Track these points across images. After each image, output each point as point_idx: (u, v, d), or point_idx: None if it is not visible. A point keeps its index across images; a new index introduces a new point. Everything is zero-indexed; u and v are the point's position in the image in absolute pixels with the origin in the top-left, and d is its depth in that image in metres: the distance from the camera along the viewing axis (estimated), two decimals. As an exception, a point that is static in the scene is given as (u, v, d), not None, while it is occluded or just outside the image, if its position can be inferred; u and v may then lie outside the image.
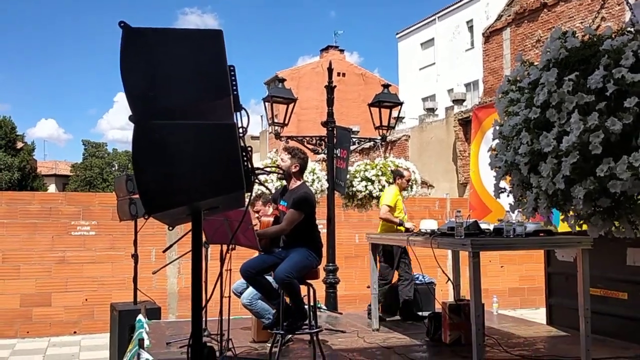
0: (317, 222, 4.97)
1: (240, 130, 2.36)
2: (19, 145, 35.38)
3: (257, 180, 2.39)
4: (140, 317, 5.98)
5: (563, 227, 3.97)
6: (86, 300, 8.94)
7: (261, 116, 36.67)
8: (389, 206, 6.51)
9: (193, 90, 2.06)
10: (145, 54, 2.00)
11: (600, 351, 4.60)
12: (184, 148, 2.00)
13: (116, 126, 74.40)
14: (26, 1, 77.05)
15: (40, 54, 79.79)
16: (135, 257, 7.20)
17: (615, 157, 2.36)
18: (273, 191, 5.97)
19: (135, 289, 7.13)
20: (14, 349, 7.99)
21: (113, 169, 44.51)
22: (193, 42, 2.08)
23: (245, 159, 2.26)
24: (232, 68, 2.29)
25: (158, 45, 2.02)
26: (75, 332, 8.82)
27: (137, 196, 6.83)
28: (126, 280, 7.95)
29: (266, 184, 6.64)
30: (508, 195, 3.16)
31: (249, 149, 2.36)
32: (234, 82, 2.31)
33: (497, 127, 3.01)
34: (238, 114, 2.39)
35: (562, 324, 5.88)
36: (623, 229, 2.68)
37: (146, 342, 5.03)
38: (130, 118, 2.00)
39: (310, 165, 7.56)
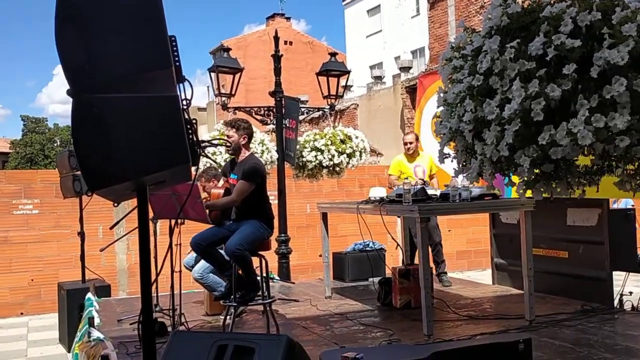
0: (268, 193, 4.96)
1: (184, 102, 2.31)
2: (-47, 122, 33.74)
3: (203, 153, 2.35)
4: (89, 295, 5.88)
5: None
6: (32, 280, 8.71)
7: (207, 87, 36.08)
8: (389, 175, 6.84)
9: (132, 62, 1.99)
10: (80, 24, 1.91)
11: (543, 308, 4.81)
12: (125, 122, 1.94)
13: (57, 100, 71.84)
14: (-48, -31, 72.71)
15: (-30, 25, 75.79)
16: (81, 234, 7.04)
17: (556, 124, 2.42)
18: (222, 164, 5.90)
19: (83, 267, 6.99)
20: (-43, 334, 7.76)
21: (55, 144, 43.10)
22: (130, 10, 1.99)
23: (190, 131, 2.22)
24: (173, 38, 2.22)
25: (94, 15, 1.94)
26: (22, 314, 8.60)
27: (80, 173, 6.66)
28: (73, 258, 7.76)
29: (214, 158, 6.55)
30: (452, 161, 3.21)
31: (194, 121, 2.32)
32: (175, 53, 2.24)
33: (442, 95, 3.04)
34: (181, 85, 2.34)
35: (507, 284, 6.11)
36: (559, 190, 2.77)
37: (96, 320, 4.96)
38: (68, 92, 1.92)
39: (259, 136, 7.49)
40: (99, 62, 1.93)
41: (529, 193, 2.95)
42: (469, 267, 11.15)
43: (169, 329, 4.62)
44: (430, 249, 6.18)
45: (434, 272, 6.08)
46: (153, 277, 2.52)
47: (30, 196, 8.84)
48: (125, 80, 1.96)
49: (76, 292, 6.38)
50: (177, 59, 2.26)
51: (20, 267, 8.67)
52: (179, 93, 2.28)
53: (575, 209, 5.25)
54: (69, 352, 6.18)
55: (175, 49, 2.24)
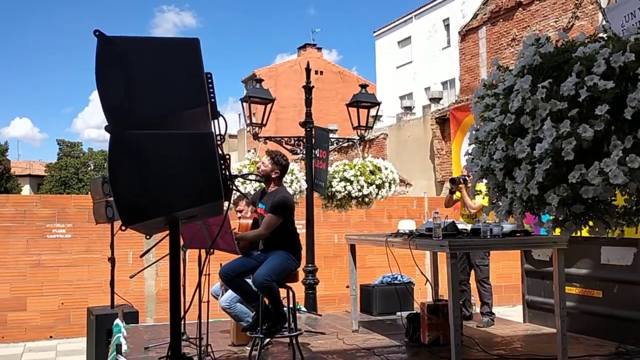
0: (296, 222, 4.97)
1: (218, 137, 2.36)
2: (-8, 145, 34.76)
3: (234, 188, 2.38)
4: (117, 321, 5.93)
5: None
6: (62, 304, 8.82)
7: (239, 114, 36.52)
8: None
9: (170, 100, 2.04)
10: (120, 64, 1.98)
11: (576, 349, 4.69)
12: (161, 158, 1.98)
13: (92, 125, 73.43)
14: (-2, -2, 75.66)
15: (14, 51, 78.44)
16: (112, 260, 7.12)
17: (587, 164, 2.39)
18: (251, 193, 5.96)
19: (112, 292, 7.06)
20: (-12, 355, 7.88)
21: (89, 168, 43.97)
22: (169, 51, 2.06)
23: (223, 166, 2.26)
24: (209, 75, 2.28)
25: (134, 55, 2.00)
26: (51, 337, 8.70)
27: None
28: (103, 283, 7.87)
29: (243, 190, 6.62)
30: (483, 198, 3.20)
31: (227, 156, 2.36)
32: (211, 90, 2.30)
33: (474, 132, 3.04)
34: (215, 121, 2.38)
35: (539, 323, 5.97)
36: (597, 229, 2.73)
37: (124, 347, 5.00)
38: (106, 128, 1.98)
39: (289, 166, 7.55)
40: (137, 100, 1.99)
41: (557, 231, 2.91)
42: (499, 302, 10.93)
43: (195, 358, 4.62)
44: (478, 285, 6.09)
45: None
46: (182, 310, 2.54)
47: (64, 220, 9.01)
48: (162, 117, 2.02)
49: (105, 318, 6.43)
50: (212, 95, 2.31)
51: (51, 290, 8.80)
52: (213, 129, 2.33)
53: (610, 247, 5.14)
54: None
55: (210, 85, 2.30)
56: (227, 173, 2.27)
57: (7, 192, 29.55)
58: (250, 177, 5.13)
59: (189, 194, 2.00)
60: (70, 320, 8.75)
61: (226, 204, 2.31)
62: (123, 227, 2.00)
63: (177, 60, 2.04)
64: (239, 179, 7.04)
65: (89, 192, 8.14)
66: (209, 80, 2.26)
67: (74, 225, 9.03)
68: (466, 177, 6.11)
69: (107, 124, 1.98)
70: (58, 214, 9.00)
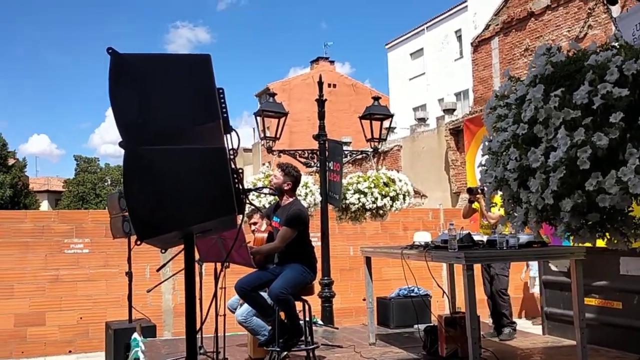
0: (311, 235, 4.98)
1: (231, 152, 2.38)
2: (10, 162, 35.22)
3: (247, 201, 2.39)
4: (135, 335, 5.96)
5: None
6: (81, 319, 8.87)
7: (253, 128, 36.73)
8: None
9: (182, 115, 2.07)
10: (133, 80, 2.01)
11: (596, 361, 4.62)
12: (174, 173, 2.00)
13: (108, 140, 74.18)
14: (14, 16, 77.05)
15: (32, 68, 79.72)
16: (129, 274, 7.17)
17: (603, 172, 2.38)
18: (266, 206, 5.98)
19: (130, 306, 7.10)
20: (8, 370, 7.94)
21: (106, 184, 44.38)
22: (182, 67, 2.09)
23: (236, 181, 2.27)
24: (221, 91, 2.30)
25: (146, 72, 2.03)
26: (70, 352, 8.74)
27: (129, 214, 6.82)
28: (121, 298, 7.90)
29: (253, 201, 6.65)
30: (499, 210, 3.19)
31: (240, 170, 2.37)
32: (223, 105, 2.32)
33: (487, 143, 3.03)
34: (228, 135, 2.40)
35: (558, 335, 5.90)
36: (615, 241, 2.70)
37: (141, 362, 5.02)
38: (121, 144, 2.01)
39: (303, 178, 7.57)
40: (151, 116, 2.02)
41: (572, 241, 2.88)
42: (518, 315, 10.82)
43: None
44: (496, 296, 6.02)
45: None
46: (198, 323, 2.55)
47: (82, 235, 9.09)
48: (175, 132, 2.04)
49: (123, 332, 6.46)
50: (224, 110, 2.33)
51: (69, 305, 8.86)
52: (226, 143, 2.35)
53: (629, 258, 5.07)
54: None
55: (222, 100, 2.32)
56: (240, 187, 2.29)
57: (26, 208, 29.90)
58: (263, 190, 5.15)
59: (202, 208, 2.02)
60: (89, 335, 8.79)
61: (240, 217, 2.33)
62: (138, 242, 2.02)
63: (189, 76, 2.07)
64: (254, 192, 7.08)
65: (106, 207, 8.21)
66: (221, 96, 2.29)
67: (92, 240, 9.10)
68: (483, 187, 6.07)
69: (121, 140, 2.01)
70: (76, 229, 9.08)
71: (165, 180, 2.00)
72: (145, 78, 2.04)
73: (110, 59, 2.05)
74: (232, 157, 2.34)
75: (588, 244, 2.82)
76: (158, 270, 5.34)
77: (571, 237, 2.80)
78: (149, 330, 6.63)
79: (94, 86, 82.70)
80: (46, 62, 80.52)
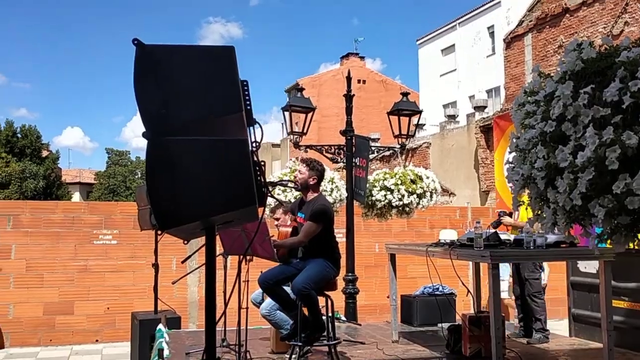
0: (335, 231, 4.97)
1: (254, 144, 2.38)
2: (44, 153, 35.97)
3: (270, 194, 2.39)
4: (160, 326, 6.02)
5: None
6: (108, 309, 9.02)
7: (282, 124, 36.83)
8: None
9: (205, 107, 2.07)
10: (157, 71, 2.02)
11: (624, 365, 4.52)
12: (196, 164, 2.01)
13: (140, 134, 74.88)
14: (51, 10, 78.55)
15: (67, 61, 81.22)
16: (155, 266, 7.25)
17: (632, 173, 2.31)
18: (291, 201, 5.99)
19: (156, 298, 7.18)
20: (37, 357, 8.10)
21: (136, 176, 45.01)
22: (205, 59, 2.09)
23: (258, 173, 2.28)
24: (245, 83, 2.30)
25: (171, 63, 2.04)
26: (97, 341, 8.90)
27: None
28: (147, 289, 8.00)
29: (278, 196, 6.65)
30: (526, 209, 3.13)
31: (262, 163, 2.37)
32: (247, 97, 2.32)
33: (514, 140, 2.98)
34: (251, 128, 2.41)
35: (585, 337, 5.79)
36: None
37: (166, 352, 5.07)
38: (144, 134, 2.02)
39: (329, 174, 7.56)
40: (174, 107, 2.03)
41: (608, 244, 2.81)
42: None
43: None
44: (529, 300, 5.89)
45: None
46: (218, 313, 2.57)
47: (110, 227, 9.23)
48: (198, 124, 2.05)
49: (148, 323, 6.53)
50: (248, 102, 2.33)
51: (97, 295, 9.02)
52: (249, 135, 2.35)
53: (660, 260, 4.95)
54: (138, 381, 6.33)
55: (246, 93, 2.32)
56: (262, 179, 2.29)
57: (58, 199, 30.51)
58: (289, 184, 5.13)
59: (223, 199, 2.03)
60: (115, 325, 8.94)
61: (261, 210, 2.33)
62: (160, 232, 2.04)
63: (213, 67, 2.07)
64: (279, 187, 7.09)
65: (135, 200, 8.32)
66: (245, 88, 2.29)
67: (120, 232, 9.24)
68: (505, 212, 6.09)
69: (144, 130, 2.02)
70: (105, 220, 9.23)
71: (187, 171, 2.01)
72: (169, 69, 2.05)
73: (136, 50, 2.06)
74: (254, 149, 2.34)
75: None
76: (183, 262, 5.39)
77: (607, 241, 2.74)
78: (174, 322, 6.70)
79: (127, 80, 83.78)
80: (80, 55, 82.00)
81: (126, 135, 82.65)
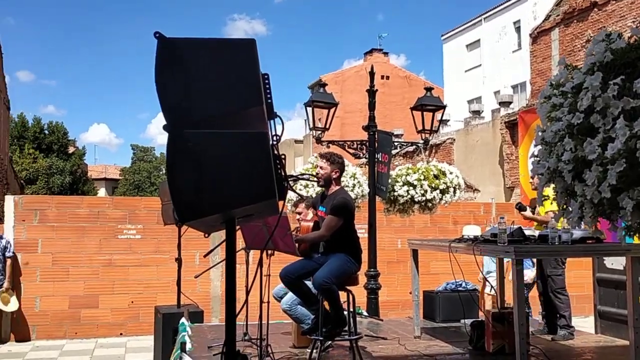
0: (357, 227, 4.94)
1: (274, 138, 2.37)
2: (71, 149, 36.52)
3: (290, 188, 2.38)
4: (183, 320, 6.06)
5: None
6: (132, 302, 9.13)
7: (305, 120, 36.85)
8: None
9: (226, 100, 2.07)
10: (179, 64, 2.02)
11: (652, 364, 4.42)
12: (217, 157, 2.01)
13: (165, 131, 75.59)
14: (76, 8, 79.60)
15: (94, 58, 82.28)
16: (179, 260, 7.30)
17: (664, 165, 2.25)
18: (313, 196, 5.97)
19: (179, 292, 7.23)
20: (62, 350, 8.23)
21: (160, 172, 45.45)
22: (226, 52, 2.09)
23: (278, 166, 2.26)
24: (266, 76, 2.29)
25: (191, 56, 2.04)
26: (121, 334, 9.01)
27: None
28: (171, 283, 8.06)
29: (300, 192, 6.64)
30: (552, 203, 3.07)
31: (283, 156, 2.36)
32: (268, 90, 2.31)
33: (540, 133, 2.92)
34: (272, 121, 2.39)
35: (611, 334, 5.68)
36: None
37: (188, 346, 5.09)
38: (165, 127, 2.02)
39: (351, 169, 7.53)
40: (195, 100, 2.02)
41: (636, 239, 2.74)
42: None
43: (256, 359, 4.66)
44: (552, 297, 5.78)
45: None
46: (238, 307, 2.56)
47: (134, 222, 9.33)
48: (219, 117, 2.04)
49: (171, 316, 6.58)
50: (269, 96, 2.32)
51: (121, 289, 9.13)
52: (269, 129, 2.34)
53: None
54: (162, 374, 6.38)
55: (267, 86, 2.31)
56: (283, 173, 2.28)
57: (84, 195, 30.95)
58: (310, 178, 5.10)
59: (243, 192, 2.02)
60: (139, 318, 9.04)
61: (282, 203, 2.32)
62: (179, 224, 2.04)
63: (233, 60, 2.07)
64: (302, 182, 7.09)
65: (158, 195, 8.38)
66: (266, 81, 2.28)
67: (144, 227, 9.33)
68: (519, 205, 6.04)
69: (165, 123, 2.02)
70: (129, 215, 9.33)
71: (208, 163, 2.00)
72: (190, 62, 2.04)
73: (157, 43, 2.07)
74: (275, 142, 2.33)
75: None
76: (205, 256, 5.42)
77: (635, 236, 2.67)
78: (197, 316, 6.73)
79: (152, 77, 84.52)
80: (107, 53, 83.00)
81: (151, 132, 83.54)
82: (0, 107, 22.76)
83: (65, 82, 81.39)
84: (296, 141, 33.86)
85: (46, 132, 35.20)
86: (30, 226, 8.90)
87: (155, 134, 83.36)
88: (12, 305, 8.44)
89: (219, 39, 2.09)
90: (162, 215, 7.48)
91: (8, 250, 8.47)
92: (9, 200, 9.06)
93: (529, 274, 6.99)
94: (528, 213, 6.05)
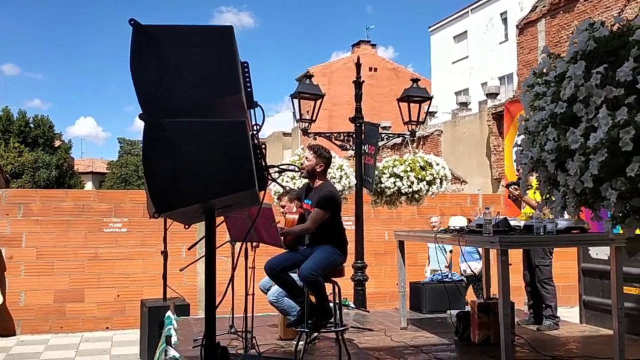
0: (344, 219, 4.91)
1: (255, 127, 2.33)
2: (57, 143, 36.17)
3: (271, 178, 2.35)
4: (169, 313, 6.02)
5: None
6: (118, 296, 9.07)
7: (293, 112, 36.75)
8: None
9: (203, 88, 2.02)
10: (154, 52, 1.97)
11: (635, 352, 4.45)
12: (194, 146, 1.97)
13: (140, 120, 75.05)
14: (62, 0, 78.74)
15: (78, 52, 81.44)
16: (164, 254, 7.25)
17: (646, 154, 2.24)
18: (296, 188, 5.94)
19: (165, 285, 7.19)
20: (47, 344, 8.16)
21: (148, 166, 45.11)
22: (203, 39, 2.04)
23: (259, 156, 2.23)
24: (245, 64, 2.25)
25: (167, 43, 2.00)
26: (107, 328, 8.96)
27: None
28: (157, 276, 7.99)
29: (287, 184, 6.60)
30: (534, 193, 3.07)
31: (263, 146, 2.33)
32: (247, 79, 2.27)
33: (523, 122, 2.91)
34: (253, 111, 2.35)
35: (596, 324, 5.72)
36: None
37: (174, 339, 5.06)
38: (140, 116, 1.98)
39: (338, 161, 7.49)
40: (171, 88, 1.98)
41: (621, 230, 2.74)
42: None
43: (241, 351, 4.64)
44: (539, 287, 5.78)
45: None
46: (222, 297, 2.53)
47: (120, 215, 9.26)
48: (196, 105, 2.00)
49: (157, 310, 6.54)
50: (248, 84, 2.28)
51: (107, 282, 9.06)
52: (249, 118, 2.30)
53: (674, 246, 4.86)
54: (147, 368, 6.35)
55: (247, 75, 2.27)
56: (263, 163, 2.24)
57: (71, 189, 30.71)
58: (286, 167, 5.03)
59: (221, 182, 1.98)
60: (125, 312, 8.99)
61: (262, 194, 2.28)
62: (156, 215, 2.00)
63: (211, 48, 2.02)
64: (289, 174, 7.05)
65: (144, 188, 8.32)
66: (246, 70, 2.24)
67: (130, 220, 9.27)
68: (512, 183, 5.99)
69: (141, 112, 1.98)
70: (115, 208, 9.25)
71: (185, 153, 1.96)
72: (165, 49, 2.00)
73: (132, 30, 2.02)
74: (255, 132, 2.29)
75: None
76: (190, 248, 5.39)
77: (619, 227, 2.67)
78: (183, 309, 6.70)
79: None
80: (93, 46, 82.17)
81: (138, 125, 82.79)
82: (-16, 100, 22.41)
83: (51, 76, 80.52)
84: (284, 134, 33.77)
85: (31, 125, 34.82)
86: (14, 220, 8.80)
87: (142, 127, 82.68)
88: (-4, 300, 8.36)
89: (196, 25, 2.04)
90: (147, 207, 7.41)
91: (-9, 244, 8.37)
92: (-8, 194, 8.96)
93: (475, 265, 7.05)
94: (528, 199, 5.93)
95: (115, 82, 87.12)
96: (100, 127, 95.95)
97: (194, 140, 1.97)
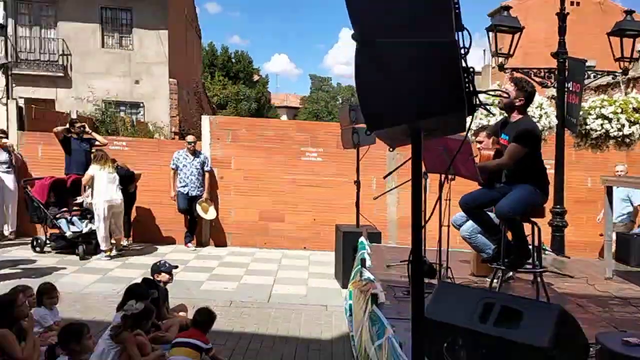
0: (544, 162, 4.61)
1: (462, 50, 2.27)
2: (255, 78, 38.63)
3: (480, 103, 2.29)
4: (362, 239, 6.29)
5: None
6: (314, 220, 9.72)
7: (484, 50, 35.05)
8: None
9: (413, 7, 2.00)
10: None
11: None
12: (405, 66, 1.97)
13: (341, 61, 76.87)
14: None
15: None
16: (357, 183, 7.54)
17: None
18: (495, 121, 5.71)
19: (358, 212, 7.52)
20: (254, 257, 9.07)
21: (337, 102, 46.59)
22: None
23: (467, 80, 2.18)
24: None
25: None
26: (304, 248, 9.69)
27: (359, 126, 7.09)
28: (349, 204, 8.36)
29: (489, 109, 6.30)
30: None
31: (471, 69, 2.27)
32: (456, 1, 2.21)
33: None
34: (459, 33, 2.30)
35: None
36: None
37: (368, 263, 5.28)
38: (353, 36, 2.03)
39: (538, 99, 7.04)
40: (382, 8, 2.00)
41: None
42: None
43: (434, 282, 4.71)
44: None
45: None
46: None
47: (315, 145, 9.78)
48: (406, 25, 2.00)
49: (351, 235, 6.87)
50: (457, 5, 2.22)
51: (304, 206, 9.76)
52: (457, 40, 2.25)
53: None
54: (343, 287, 6.75)
55: (455, -3, 2.20)
56: (472, 87, 2.19)
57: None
58: (491, 92, 4.77)
59: (431, 103, 1.97)
60: (320, 235, 9.61)
61: (469, 119, 2.24)
62: (368, 132, 2.07)
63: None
64: (482, 111, 6.80)
65: (338, 121, 8.62)
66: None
67: (325, 150, 9.75)
68: None
69: (353, 32, 2.03)
70: (311, 139, 9.80)
71: (395, 73, 1.98)
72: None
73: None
74: (463, 55, 2.24)
75: None
76: (385, 177, 5.52)
77: None
78: (375, 237, 6.96)
79: (330, 8, 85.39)
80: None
81: (328, 63, 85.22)
82: (192, 35, 24.61)
83: (249, 14, 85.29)
84: (474, 73, 32.41)
85: (233, 60, 37.47)
86: (224, 144, 9.75)
87: (332, 65, 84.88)
88: (211, 214, 9.44)
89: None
90: (341, 139, 7.72)
91: (206, 164, 9.38)
92: (205, 120, 10.00)
93: None
94: None
95: (309, 19, 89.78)
96: (293, 63, 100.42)
97: (405, 60, 1.96)
